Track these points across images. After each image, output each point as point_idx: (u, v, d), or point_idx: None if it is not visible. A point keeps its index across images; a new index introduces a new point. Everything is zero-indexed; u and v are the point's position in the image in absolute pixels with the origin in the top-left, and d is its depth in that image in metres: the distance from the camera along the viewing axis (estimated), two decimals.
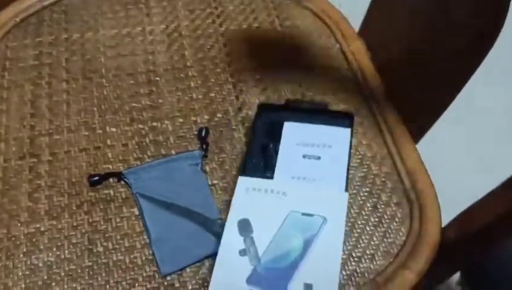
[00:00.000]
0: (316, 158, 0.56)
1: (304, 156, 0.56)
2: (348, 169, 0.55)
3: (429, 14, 0.58)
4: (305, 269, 0.48)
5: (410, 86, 0.63)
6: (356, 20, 0.74)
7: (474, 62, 0.51)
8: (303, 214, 0.51)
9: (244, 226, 0.50)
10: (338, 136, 0.57)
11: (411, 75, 0.62)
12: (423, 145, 0.63)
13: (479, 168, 1.09)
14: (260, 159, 0.56)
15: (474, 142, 1.19)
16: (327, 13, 0.75)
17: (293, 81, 0.67)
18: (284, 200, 0.52)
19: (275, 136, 0.57)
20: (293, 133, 0.57)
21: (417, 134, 0.63)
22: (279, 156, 0.56)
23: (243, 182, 0.54)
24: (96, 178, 0.56)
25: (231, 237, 0.50)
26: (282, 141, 0.57)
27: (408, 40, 0.63)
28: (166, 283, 0.51)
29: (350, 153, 0.56)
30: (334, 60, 0.70)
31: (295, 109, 0.60)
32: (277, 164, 0.55)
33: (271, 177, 0.54)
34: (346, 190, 0.54)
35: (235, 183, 0.56)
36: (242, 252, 0.49)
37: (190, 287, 0.51)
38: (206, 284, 0.50)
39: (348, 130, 0.58)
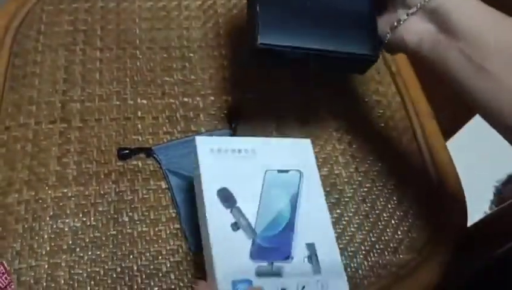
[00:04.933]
0: None
1: None
2: None
3: None
4: (301, 229, 0.45)
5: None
6: None
7: None
8: (279, 171, 0.47)
9: (226, 197, 0.44)
10: None
11: None
12: (454, 141, 0.63)
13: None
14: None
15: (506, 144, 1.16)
16: None
17: None
18: (254, 158, 0.47)
19: None
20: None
21: (449, 130, 0.62)
22: None
23: (202, 142, 0.47)
24: (126, 152, 0.56)
25: (216, 212, 0.43)
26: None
27: None
28: (189, 258, 0.51)
29: None
30: None
31: None
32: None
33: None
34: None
35: None
36: (235, 226, 0.43)
37: None
38: None
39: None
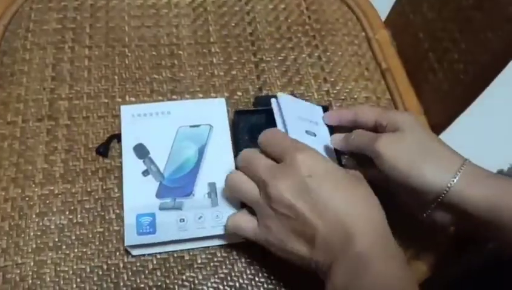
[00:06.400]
0: (313, 135, 0.54)
1: (307, 132, 0.54)
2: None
3: (458, 3, 0.57)
4: (205, 172, 0.52)
5: (434, 77, 0.61)
6: (384, 9, 0.73)
7: (507, 57, 0.50)
8: (191, 126, 0.55)
9: (140, 150, 0.53)
10: (318, 114, 0.57)
11: (436, 65, 0.61)
12: (444, 136, 0.63)
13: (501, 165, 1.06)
14: None
15: (498, 138, 1.14)
16: (355, 0, 0.74)
17: (315, 65, 0.66)
18: (170, 118, 0.55)
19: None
20: (290, 106, 0.55)
21: (440, 126, 0.62)
22: (289, 131, 0.52)
23: (127, 110, 0.55)
24: (101, 150, 0.56)
25: (130, 163, 0.53)
26: (285, 116, 0.53)
27: (435, 29, 0.62)
28: (175, 255, 0.51)
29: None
30: (358, 47, 0.69)
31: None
32: None
33: None
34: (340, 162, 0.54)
35: None
36: (146, 173, 0.52)
37: (199, 261, 0.51)
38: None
39: (320, 108, 0.58)
